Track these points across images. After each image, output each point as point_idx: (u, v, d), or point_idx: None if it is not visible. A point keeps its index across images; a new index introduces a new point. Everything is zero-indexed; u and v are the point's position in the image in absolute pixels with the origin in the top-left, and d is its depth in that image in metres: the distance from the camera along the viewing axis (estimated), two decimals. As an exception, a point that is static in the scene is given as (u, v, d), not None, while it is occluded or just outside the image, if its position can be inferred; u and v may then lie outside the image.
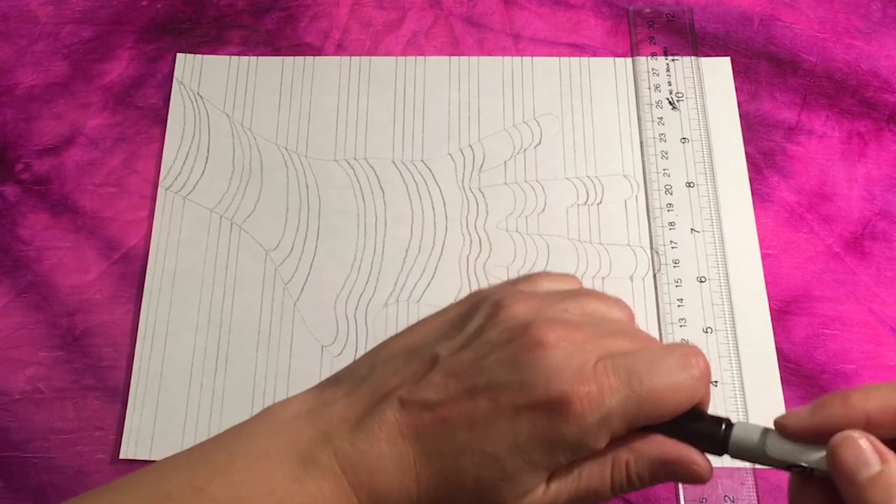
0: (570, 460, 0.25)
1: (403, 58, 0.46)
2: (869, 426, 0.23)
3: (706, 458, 0.25)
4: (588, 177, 0.43)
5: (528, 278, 0.29)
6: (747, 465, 0.37)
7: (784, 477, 0.37)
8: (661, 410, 0.24)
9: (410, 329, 0.29)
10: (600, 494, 0.25)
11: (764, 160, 0.43)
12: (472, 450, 0.24)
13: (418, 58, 0.46)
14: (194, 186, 0.42)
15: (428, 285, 0.40)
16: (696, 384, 0.25)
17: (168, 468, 0.26)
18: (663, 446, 0.25)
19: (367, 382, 0.26)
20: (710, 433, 0.25)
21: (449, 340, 0.26)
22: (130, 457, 0.37)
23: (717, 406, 0.38)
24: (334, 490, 0.25)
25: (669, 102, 0.44)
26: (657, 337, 0.39)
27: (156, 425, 0.38)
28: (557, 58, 0.46)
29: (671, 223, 0.42)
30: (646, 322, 0.40)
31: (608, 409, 0.24)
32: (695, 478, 0.25)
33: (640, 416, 0.24)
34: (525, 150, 0.44)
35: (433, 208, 0.42)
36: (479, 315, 0.27)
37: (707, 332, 0.39)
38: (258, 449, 0.25)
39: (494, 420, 0.24)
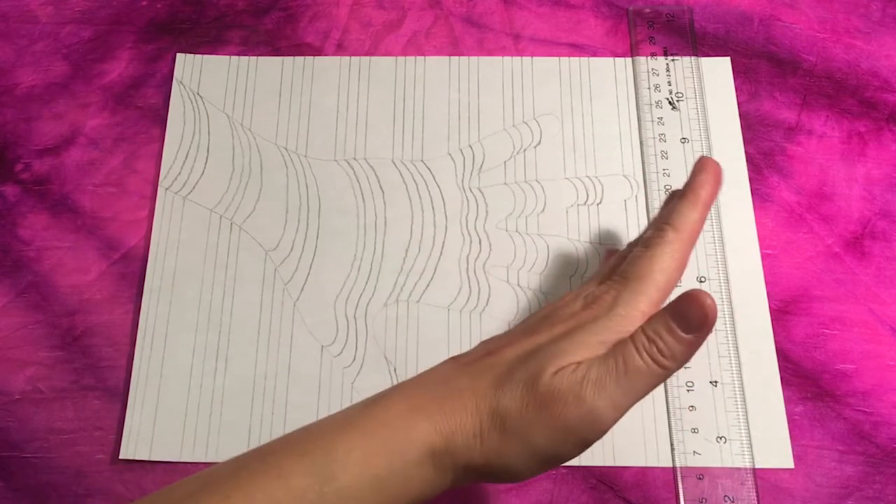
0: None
1: (403, 58, 0.46)
2: None
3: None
4: (588, 177, 0.43)
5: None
6: (748, 465, 0.37)
7: (784, 477, 0.37)
8: None
9: None
10: (629, 361, 0.28)
11: (764, 160, 0.43)
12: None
13: (418, 58, 0.46)
14: (194, 186, 0.42)
15: (428, 285, 0.40)
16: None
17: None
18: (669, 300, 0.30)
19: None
20: None
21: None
22: (130, 457, 0.37)
23: (718, 406, 0.38)
24: None
25: (669, 102, 0.44)
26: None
27: (156, 425, 0.38)
28: (557, 58, 0.46)
29: (671, 223, 0.41)
30: (646, 322, 0.40)
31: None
32: (704, 308, 0.28)
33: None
34: (525, 150, 0.44)
35: (433, 208, 0.42)
36: None
37: (707, 332, 0.39)
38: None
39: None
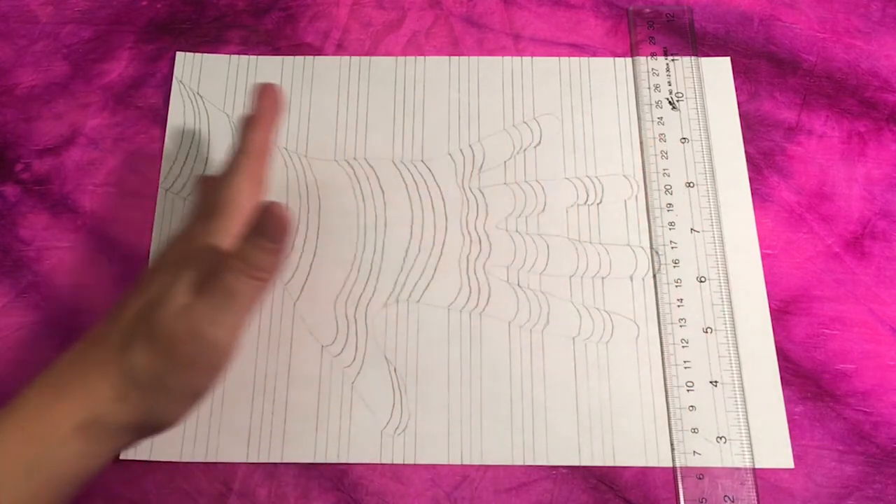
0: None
1: (403, 58, 0.46)
2: None
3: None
4: (588, 177, 0.43)
5: None
6: (748, 465, 0.37)
7: (784, 477, 0.37)
8: None
9: None
10: (231, 287, 0.31)
11: (764, 160, 0.43)
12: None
13: (418, 58, 0.46)
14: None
15: (428, 285, 0.40)
16: None
17: None
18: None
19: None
20: None
21: None
22: (130, 457, 0.37)
23: (718, 406, 0.38)
24: None
25: (669, 102, 0.44)
26: (657, 338, 0.39)
27: (156, 425, 0.38)
28: (557, 58, 0.46)
29: (671, 223, 0.42)
30: (646, 322, 0.40)
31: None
32: (281, 218, 0.30)
33: None
34: (525, 150, 0.44)
35: (433, 208, 0.42)
36: None
37: (707, 332, 0.39)
38: None
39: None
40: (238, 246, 0.31)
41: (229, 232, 0.33)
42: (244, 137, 0.36)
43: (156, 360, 0.30)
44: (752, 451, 0.37)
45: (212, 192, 0.35)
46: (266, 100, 0.37)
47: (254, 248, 0.31)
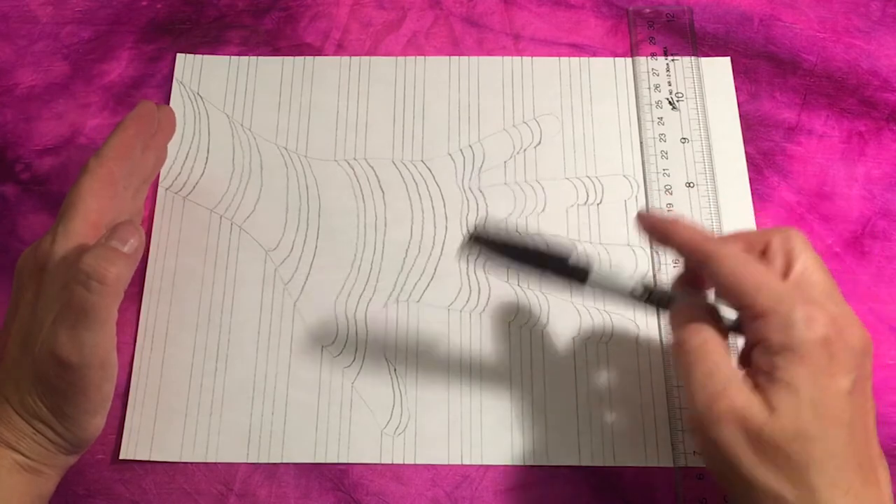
0: None
1: (403, 58, 0.46)
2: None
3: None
4: (588, 177, 0.43)
5: None
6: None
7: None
8: None
9: None
10: (79, 299, 0.30)
11: (764, 160, 0.43)
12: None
13: (418, 58, 0.46)
14: (194, 186, 0.42)
15: (428, 285, 0.40)
16: None
17: None
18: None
19: None
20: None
21: None
22: (130, 457, 0.37)
23: (717, 406, 0.38)
24: None
25: (669, 102, 0.44)
26: (657, 338, 0.39)
27: (156, 425, 0.38)
28: (557, 58, 0.46)
29: (671, 223, 0.41)
30: (646, 322, 0.40)
31: None
32: (132, 227, 0.32)
33: None
34: (525, 150, 0.44)
35: (433, 208, 0.42)
36: None
37: (707, 332, 0.39)
38: None
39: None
40: (85, 254, 0.31)
41: (76, 233, 0.32)
42: (103, 144, 0.35)
43: (45, 396, 0.31)
44: (752, 450, 0.37)
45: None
46: (139, 109, 0.36)
47: (98, 247, 0.31)
